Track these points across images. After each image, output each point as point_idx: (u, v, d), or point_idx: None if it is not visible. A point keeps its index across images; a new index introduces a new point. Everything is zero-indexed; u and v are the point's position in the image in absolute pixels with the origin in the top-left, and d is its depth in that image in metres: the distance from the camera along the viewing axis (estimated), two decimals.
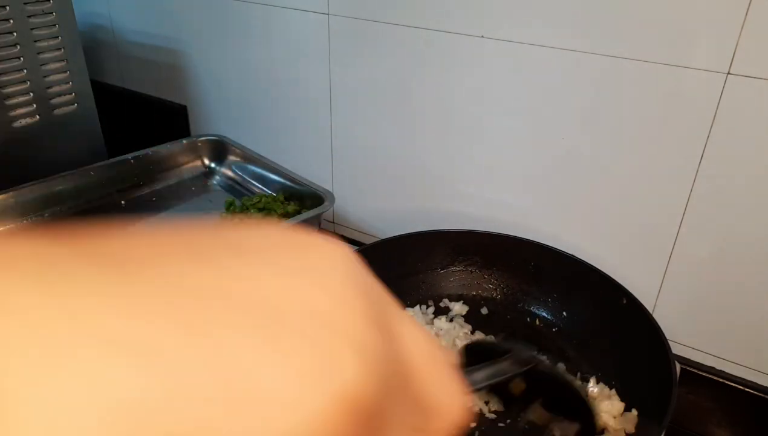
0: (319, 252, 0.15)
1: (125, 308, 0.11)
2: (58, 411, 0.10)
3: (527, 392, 0.36)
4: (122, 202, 0.89)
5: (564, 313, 0.68)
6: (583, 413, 0.38)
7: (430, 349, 0.17)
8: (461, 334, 0.67)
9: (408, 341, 0.16)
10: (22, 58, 0.82)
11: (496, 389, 0.36)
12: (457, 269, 0.72)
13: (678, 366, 0.65)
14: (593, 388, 0.59)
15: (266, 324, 0.13)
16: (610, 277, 0.63)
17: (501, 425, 0.52)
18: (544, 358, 0.37)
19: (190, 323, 0.12)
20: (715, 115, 0.57)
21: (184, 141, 0.96)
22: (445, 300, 0.71)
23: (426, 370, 0.16)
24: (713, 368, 0.67)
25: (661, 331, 0.56)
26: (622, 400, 0.58)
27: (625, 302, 0.61)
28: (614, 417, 0.56)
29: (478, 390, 0.29)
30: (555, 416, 0.38)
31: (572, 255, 0.66)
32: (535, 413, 0.38)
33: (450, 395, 0.17)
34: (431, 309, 0.70)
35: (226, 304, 0.12)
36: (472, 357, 0.35)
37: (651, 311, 0.67)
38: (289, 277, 0.14)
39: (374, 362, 0.14)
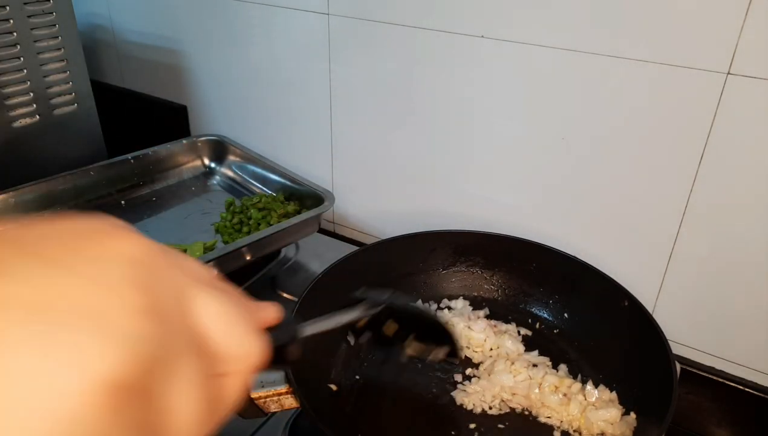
0: (106, 245, 0.18)
1: None
2: None
3: (400, 331, 0.43)
4: (122, 202, 0.89)
5: (565, 314, 0.68)
6: (448, 337, 0.46)
7: (224, 316, 0.21)
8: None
9: (203, 314, 0.20)
10: (22, 58, 0.82)
11: (374, 335, 0.42)
12: (459, 269, 0.72)
13: (678, 366, 0.65)
14: (593, 391, 0.59)
15: (27, 321, 0.15)
16: (611, 278, 0.63)
17: (384, 364, 0.62)
18: (398, 296, 0.43)
19: None
20: (715, 115, 0.57)
21: (184, 141, 0.96)
22: (446, 300, 0.71)
23: (220, 331, 0.20)
24: (713, 368, 0.67)
25: (662, 333, 0.56)
26: (622, 401, 0.58)
27: (626, 303, 0.61)
28: (612, 424, 0.56)
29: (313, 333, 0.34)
30: (428, 345, 0.45)
31: (574, 256, 0.66)
32: (411, 347, 0.44)
33: (240, 346, 0.21)
34: (433, 308, 0.70)
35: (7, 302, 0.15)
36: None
37: (651, 311, 0.67)
38: (64, 277, 0.16)
39: (136, 345, 0.16)
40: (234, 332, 0.21)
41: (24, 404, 0.14)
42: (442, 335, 0.46)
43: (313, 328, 0.34)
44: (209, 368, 0.20)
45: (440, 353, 0.46)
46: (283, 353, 0.29)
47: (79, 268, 0.17)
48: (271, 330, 0.27)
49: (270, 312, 0.27)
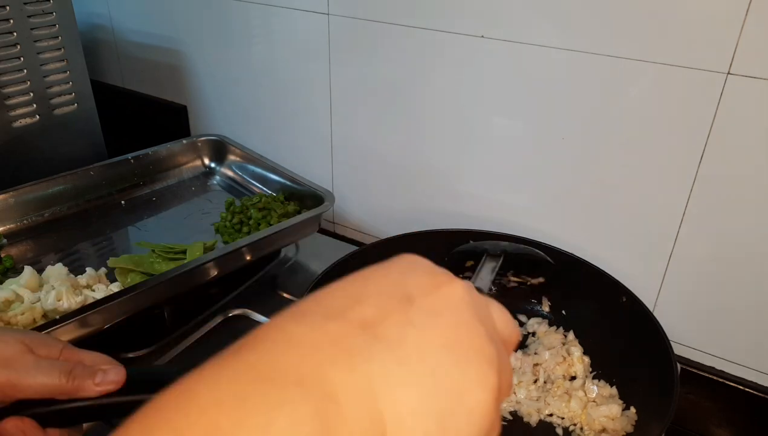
0: (450, 296, 0.25)
1: (396, 359, 0.21)
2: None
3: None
4: (122, 202, 0.89)
5: (563, 311, 0.68)
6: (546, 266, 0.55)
7: (504, 317, 0.27)
8: None
9: (498, 322, 0.27)
10: (22, 58, 0.82)
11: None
12: (456, 267, 0.72)
13: (678, 366, 0.65)
14: (592, 387, 0.60)
15: (451, 358, 0.22)
16: (609, 275, 0.63)
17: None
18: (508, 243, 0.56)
19: (428, 365, 0.22)
20: (715, 115, 0.57)
21: (184, 141, 0.96)
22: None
23: (505, 328, 0.27)
24: (713, 368, 0.67)
25: (662, 329, 0.56)
26: (622, 398, 0.58)
27: (624, 299, 0.61)
28: (613, 419, 0.56)
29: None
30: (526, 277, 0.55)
31: (572, 254, 0.66)
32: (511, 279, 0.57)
33: (515, 334, 0.28)
34: None
35: (429, 349, 0.22)
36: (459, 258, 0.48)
37: (651, 311, 0.67)
38: (446, 321, 0.23)
39: (496, 360, 0.23)
40: (510, 324, 0.27)
41: (461, 410, 0.21)
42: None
43: (486, 281, 0.42)
44: (507, 354, 0.26)
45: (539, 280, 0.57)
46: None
47: (448, 315, 0.24)
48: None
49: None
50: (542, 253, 0.63)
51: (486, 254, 0.46)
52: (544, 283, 0.69)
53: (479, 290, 0.34)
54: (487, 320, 0.25)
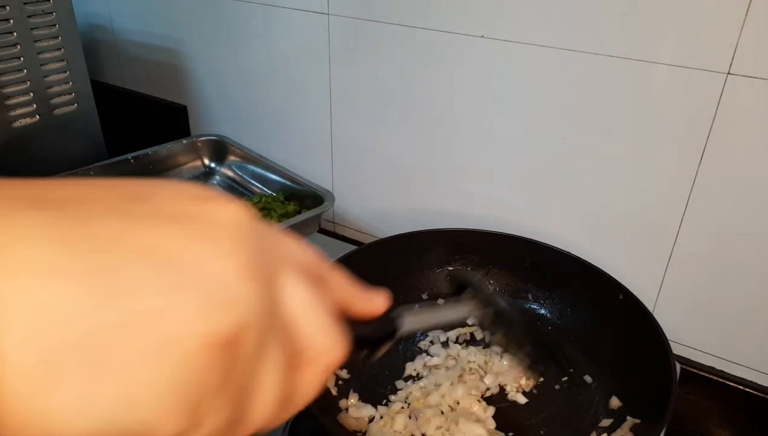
0: (218, 209, 0.19)
1: (51, 241, 0.15)
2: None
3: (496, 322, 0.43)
4: None
5: (560, 310, 0.68)
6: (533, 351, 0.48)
7: (311, 302, 0.21)
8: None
9: (290, 294, 0.20)
10: (22, 58, 0.82)
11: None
12: (454, 267, 0.72)
13: (678, 366, 0.65)
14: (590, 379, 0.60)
15: (155, 269, 0.16)
16: (606, 273, 0.63)
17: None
18: (503, 300, 0.46)
19: (99, 260, 0.15)
20: (715, 115, 0.57)
21: (184, 141, 0.96)
22: (441, 300, 0.71)
23: (304, 317, 0.20)
24: (713, 368, 0.67)
25: (661, 328, 0.56)
26: (621, 399, 0.58)
27: (621, 297, 0.61)
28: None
29: (415, 331, 0.33)
30: (514, 345, 0.47)
31: (568, 252, 0.66)
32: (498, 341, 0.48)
33: (321, 338, 0.21)
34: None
35: (128, 250, 0.16)
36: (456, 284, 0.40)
37: (651, 310, 0.67)
38: (183, 232, 0.17)
39: (240, 308, 0.17)
40: (317, 321, 0.21)
41: (147, 341, 0.16)
42: (529, 344, 0.46)
43: (416, 322, 0.31)
44: (290, 352, 0.20)
45: (524, 358, 0.47)
46: (376, 345, 0.27)
47: (195, 226, 0.18)
48: (374, 321, 0.26)
49: (378, 301, 0.27)
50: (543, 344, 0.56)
51: (474, 292, 0.40)
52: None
53: (392, 325, 0.27)
54: (263, 271, 0.19)
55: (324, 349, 0.21)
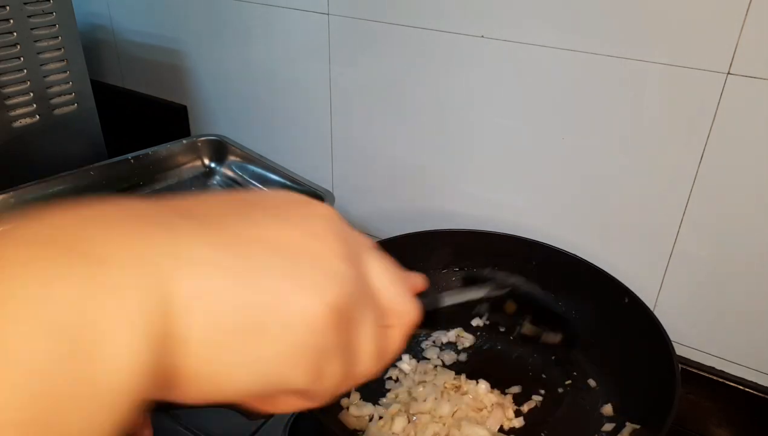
0: (310, 209, 0.24)
1: (208, 245, 0.19)
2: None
3: (518, 311, 0.46)
4: None
5: (567, 314, 0.68)
6: (564, 325, 0.48)
7: (388, 275, 0.26)
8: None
9: (372, 270, 0.25)
10: (22, 58, 0.82)
11: (494, 309, 0.45)
12: (458, 268, 0.72)
13: (678, 366, 0.65)
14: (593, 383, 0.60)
15: (280, 258, 0.21)
16: (612, 276, 0.63)
17: (500, 334, 0.68)
18: (525, 282, 0.47)
19: (242, 255, 0.20)
20: (715, 115, 0.57)
21: (184, 141, 0.96)
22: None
23: (385, 288, 0.25)
24: (713, 368, 0.67)
25: (664, 330, 0.56)
26: (624, 404, 0.58)
27: (627, 301, 0.61)
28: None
29: (450, 304, 0.38)
30: (542, 329, 0.47)
31: (574, 254, 0.66)
32: (525, 328, 0.47)
33: (401, 304, 0.26)
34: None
35: (260, 246, 0.21)
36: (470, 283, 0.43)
37: (652, 311, 0.67)
38: (292, 228, 0.22)
39: (343, 282, 0.22)
40: (395, 290, 0.26)
41: (284, 313, 0.20)
42: (558, 323, 0.48)
43: (450, 299, 0.36)
44: (379, 316, 0.24)
45: (554, 338, 0.48)
46: (428, 318, 0.31)
47: (299, 223, 0.22)
48: (418, 297, 0.29)
49: (418, 281, 0.31)
50: (560, 306, 0.57)
51: (492, 282, 0.43)
52: (560, 344, 0.58)
53: (434, 299, 0.32)
54: (351, 249, 0.23)
55: (403, 312, 0.26)
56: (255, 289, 0.19)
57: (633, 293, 0.61)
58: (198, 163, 0.97)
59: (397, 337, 0.26)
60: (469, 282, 0.42)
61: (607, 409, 0.59)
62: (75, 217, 0.19)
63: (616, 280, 0.62)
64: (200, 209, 0.21)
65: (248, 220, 0.21)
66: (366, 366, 0.24)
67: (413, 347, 0.67)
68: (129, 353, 0.17)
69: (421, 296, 0.30)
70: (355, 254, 0.24)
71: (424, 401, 0.59)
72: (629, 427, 0.55)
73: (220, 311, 0.19)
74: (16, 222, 0.18)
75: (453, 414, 0.58)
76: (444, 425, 0.56)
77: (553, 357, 0.65)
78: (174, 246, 0.19)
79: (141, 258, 0.18)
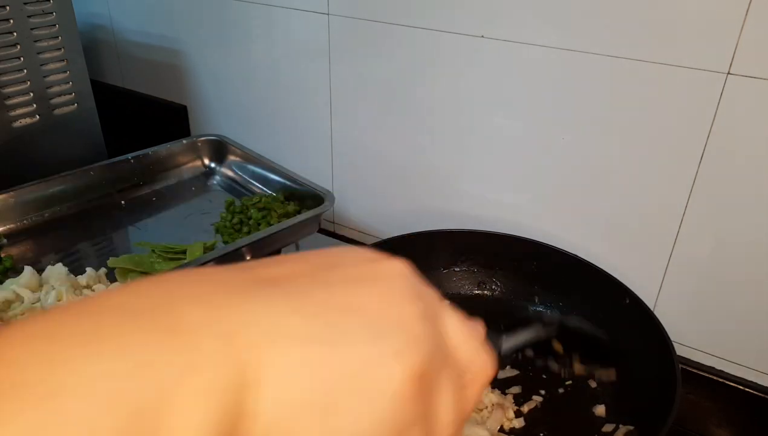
0: (385, 267, 0.23)
1: (288, 313, 0.18)
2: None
3: (567, 349, 0.44)
4: (122, 202, 0.89)
5: (568, 314, 0.68)
6: (615, 357, 0.45)
7: (463, 329, 0.24)
8: None
9: (448, 326, 0.23)
10: (22, 58, 0.82)
11: (542, 351, 0.43)
12: (459, 269, 0.72)
13: (679, 367, 0.65)
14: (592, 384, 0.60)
15: (362, 326, 0.19)
16: (613, 276, 0.63)
17: (545, 379, 0.62)
18: (571, 316, 0.43)
19: (323, 324, 0.19)
20: (715, 115, 0.57)
21: (184, 141, 0.96)
22: (446, 301, 0.71)
23: (462, 344, 0.23)
24: (713, 368, 0.67)
25: (665, 330, 0.56)
26: (624, 400, 0.58)
27: (627, 301, 0.61)
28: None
29: (512, 352, 0.36)
30: (592, 366, 0.45)
31: (574, 254, 0.66)
32: (576, 368, 0.46)
33: (478, 360, 0.24)
34: None
35: (340, 313, 0.19)
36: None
37: (653, 311, 0.67)
38: (370, 291, 0.21)
39: (425, 345, 0.20)
40: (471, 345, 0.24)
41: (367, 383, 0.18)
42: (607, 355, 0.46)
43: (510, 343, 0.35)
44: (458, 376, 0.23)
45: (608, 375, 0.46)
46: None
47: (376, 284, 0.21)
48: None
49: (479, 328, 0.29)
50: (605, 337, 0.52)
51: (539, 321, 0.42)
52: (615, 382, 0.57)
53: (496, 345, 0.31)
54: (428, 308, 0.22)
55: (481, 369, 0.24)
56: (337, 360, 0.18)
57: (634, 293, 0.61)
58: (198, 163, 0.97)
59: (472, 394, 0.24)
60: (517, 321, 0.42)
61: (608, 409, 0.59)
62: (159, 286, 0.18)
63: (617, 280, 0.62)
64: (278, 273, 0.21)
65: (326, 285, 0.21)
66: (449, 428, 0.22)
67: None
68: (198, 425, 0.16)
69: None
70: (432, 313, 0.23)
71: None
72: (629, 427, 0.55)
73: (297, 384, 0.18)
74: (108, 291, 0.18)
75: None
76: None
77: (553, 357, 0.65)
78: (253, 314, 0.18)
79: (219, 328, 0.17)
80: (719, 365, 0.66)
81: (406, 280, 0.23)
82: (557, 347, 0.44)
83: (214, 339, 0.17)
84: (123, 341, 0.16)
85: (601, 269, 0.64)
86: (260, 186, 0.91)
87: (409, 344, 0.20)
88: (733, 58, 0.54)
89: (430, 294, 0.24)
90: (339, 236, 0.93)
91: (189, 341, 0.16)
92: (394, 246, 0.70)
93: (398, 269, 0.23)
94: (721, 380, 0.66)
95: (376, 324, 0.20)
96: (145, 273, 0.70)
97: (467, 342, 0.24)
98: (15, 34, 0.81)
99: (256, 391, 0.17)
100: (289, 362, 0.17)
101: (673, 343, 0.68)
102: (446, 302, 0.25)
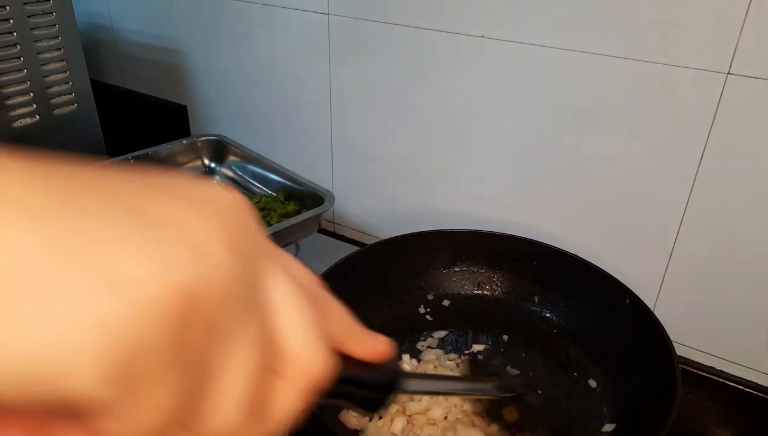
0: (217, 193, 0.18)
1: (31, 182, 0.14)
2: None
3: (521, 421, 0.38)
4: None
5: (565, 312, 0.68)
6: (615, 357, 0.41)
7: (303, 312, 0.19)
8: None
9: (279, 297, 0.18)
10: (22, 58, 0.82)
11: (492, 415, 0.38)
12: (459, 269, 0.72)
13: (679, 368, 0.65)
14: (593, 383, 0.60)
15: (131, 219, 0.15)
16: (613, 276, 0.63)
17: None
18: (532, 391, 0.39)
19: (72, 205, 0.14)
20: (715, 115, 0.57)
21: (184, 141, 0.96)
22: (446, 301, 0.71)
23: (293, 328, 0.18)
24: (713, 368, 0.67)
25: (665, 331, 0.56)
26: (624, 400, 0.58)
27: (627, 302, 0.61)
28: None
29: (415, 392, 0.30)
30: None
31: (575, 254, 0.66)
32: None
33: (308, 355, 0.18)
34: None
35: (109, 201, 0.15)
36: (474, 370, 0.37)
37: (653, 311, 0.67)
38: (173, 201, 0.16)
39: (216, 271, 0.16)
40: (303, 331, 0.19)
41: (107, 283, 0.14)
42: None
43: (419, 385, 0.28)
44: (268, 351, 0.18)
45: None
46: (375, 399, 0.24)
47: (186, 199, 0.17)
48: (372, 368, 0.23)
49: (381, 347, 0.24)
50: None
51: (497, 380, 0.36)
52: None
53: (396, 377, 0.25)
54: (248, 256, 0.17)
55: (308, 364, 0.19)
56: (58, 239, 0.13)
57: (634, 293, 0.61)
58: (198, 163, 0.97)
59: (289, 395, 0.19)
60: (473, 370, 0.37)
61: (608, 409, 0.59)
62: None
63: (617, 280, 0.62)
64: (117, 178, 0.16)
65: (127, 185, 0.16)
66: (226, 413, 0.17)
67: (412, 347, 0.67)
68: None
69: (380, 367, 0.24)
70: (252, 257, 0.18)
71: (419, 400, 0.59)
72: (629, 427, 0.55)
73: None
74: None
75: (445, 418, 0.57)
76: (438, 427, 0.56)
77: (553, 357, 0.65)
78: None
79: None
80: (719, 365, 0.66)
81: (231, 211, 0.18)
82: (510, 414, 0.40)
83: None
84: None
85: (601, 269, 0.64)
86: (260, 186, 0.91)
87: (184, 257, 0.15)
88: (733, 58, 0.54)
89: (267, 246, 0.19)
90: (339, 235, 0.93)
91: None
92: (394, 246, 0.70)
93: (231, 199, 0.18)
94: (721, 380, 0.66)
95: (149, 222, 0.15)
96: None
97: (298, 323, 0.19)
98: (15, 34, 0.81)
99: None
100: None
101: (674, 343, 0.68)
102: (300, 283, 0.19)
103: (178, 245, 0.15)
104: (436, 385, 0.31)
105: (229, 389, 0.16)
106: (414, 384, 0.27)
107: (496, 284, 0.72)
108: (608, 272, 0.63)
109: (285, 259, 0.20)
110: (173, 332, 0.14)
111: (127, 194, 0.16)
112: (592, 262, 0.65)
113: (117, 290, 0.14)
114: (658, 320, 0.58)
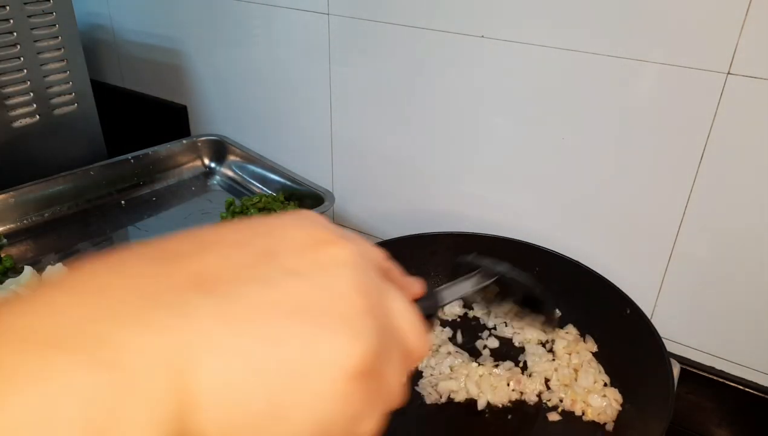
0: (329, 253, 0.22)
1: (223, 325, 0.18)
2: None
3: (501, 294, 0.47)
4: (122, 202, 0.89)
5: (568, 319, 0.68)
6: (545, 308, 0.49)
7: (409, 313, 0.24)
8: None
9: (395, 310, 0.23)
10: (22, 58, 0.82)
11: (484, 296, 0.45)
12: (460, 272, 0.72)
13: (678, 366, 0.66)
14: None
15: (300, 326, 0.19)
16: (614, 285, 0.62)
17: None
18: (510, 269, 0.46)
19: (259, 334, 0.18)
20: (715, 115, 0.57)
21: (184, 141, 0.96)
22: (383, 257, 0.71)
23: (409, 329, 0.24)
24: (713, 368, 0.67)
25: (662, 341, 0.56)
26: (624, 400, 0.58)
27: (628, 312, 0.60)
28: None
29: (449, 303, 0.37)
30: (524, 310, 0.49)
31: (577, 261, 0.66)
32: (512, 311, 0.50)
33: (423, 343, 0.25)
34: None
35: (277, 314, 0.19)
36: (458, 271, 0.43)
37: (651, 311, 0.68)
38: (311, 286, 0.20)
39: (368, 340, 0.20)
40: (418, 329, 0.24)
41: (304, 389, 0.18)
42: (541, 306, 0.49)
43: (449, 295, 0.36)
44: (403, 356, 0.23)
45: (537, 321, 0.50)
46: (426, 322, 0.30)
47: (318, 276, 0.21)
48: (417, 302, 0.29)
49: (416, 287, 0.30)
50: (545, 294, 0.54)
51: (479, 270, 0.43)
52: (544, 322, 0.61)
53: (436, 300, 0.31)
54: (374, 298, 0.22)
55: (423, 350, 0.25)
56: (273, 368, 0.18)
57: (635, 303, 0.60)
58: (198, 163, 0.97)
59: (410, 369, 0.25)
60: (457, 271, 0.42)
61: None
62: (73, 302, 0.17)
63: (618, 289, 0.62)
64: (211, 269, 0.19)
65: (264, 282, 0.20)
66: (394, 400, 0.23)
67: None
68: None
69: (422, 298, 0.30)
70: (378, 301, 0.22)
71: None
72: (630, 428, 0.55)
73: (235, 401, 0.18)
74: (4, 306, 0.17)
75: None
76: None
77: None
78: (188, 333, 0.17)
79: (155, 353, 0.17)
80: (719, 365, 0.66)
81: (351, 270, 0.21)
82: (490, 292, 0.47)
83: (153, 369, 0.16)
84: (62, 383, 0.15)
85: (608, 280, 0.63)
86: (260, 186, 0.91)
87: (351, 342, 0.19)
88: (733, 58, 0.54)
89: (376, 281, 0.23)
90: None
91: (129, 373, 0.16)
92: (395, 247, 0.69)
93: (343, 257, 0.22)
94: (721, 380, 0.66)
95: (316, 323, 0.19)
96: None
97: (414, 326, 0.24)
98: (15, 34, 0.81)
99: (197, 416, 0.17)
100: (224, 381, 0.17)
101: (674, 343, 0.68)
102: (392, 287, 0.24)
103: (341, 336, 0.20)
104: (462, 287, 0.38)
105: (393, 388, 0.22)
106: (447, 295, 0.35)
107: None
108: (607, 272, 0.63)
109: (377, 260, 0.25)
110: (362, 398, 0.20)
111: (275, 297, 0.20)
112: (591, 264, 0.65)
113: (323, 394, 0.19)
114: (655, 329, 0.58)
